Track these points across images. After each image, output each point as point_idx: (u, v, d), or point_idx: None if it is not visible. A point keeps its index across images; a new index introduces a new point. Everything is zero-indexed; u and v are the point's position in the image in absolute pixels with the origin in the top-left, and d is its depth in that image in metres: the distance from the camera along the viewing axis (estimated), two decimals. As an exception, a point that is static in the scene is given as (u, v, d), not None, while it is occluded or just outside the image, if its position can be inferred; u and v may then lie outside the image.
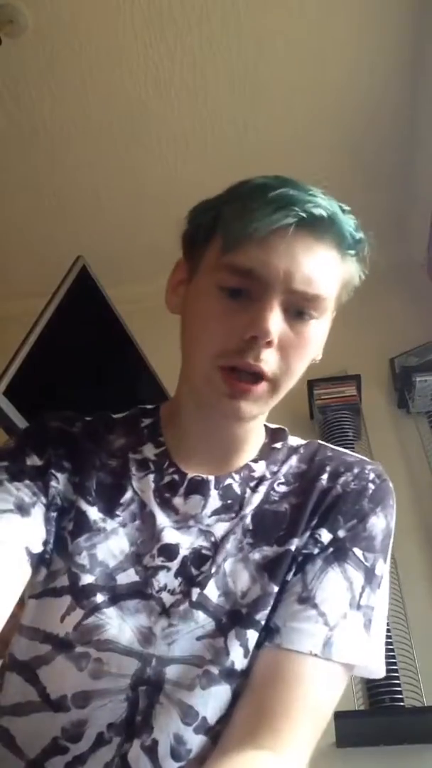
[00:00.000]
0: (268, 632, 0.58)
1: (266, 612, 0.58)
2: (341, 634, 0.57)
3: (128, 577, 0.59)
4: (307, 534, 0.63)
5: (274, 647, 0.57)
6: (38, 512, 0.62)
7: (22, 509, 0.61)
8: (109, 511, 0.63)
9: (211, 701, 0.55)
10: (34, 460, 0.66)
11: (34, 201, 2.50)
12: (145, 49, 2.02)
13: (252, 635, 0.57)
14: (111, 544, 0.61)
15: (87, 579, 0.58)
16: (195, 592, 0.59)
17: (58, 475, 0.65)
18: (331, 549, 0.62)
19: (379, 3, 1.93)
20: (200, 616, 0.57)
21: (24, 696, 0.56)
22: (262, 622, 0.58)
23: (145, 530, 0.62)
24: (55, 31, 1.95)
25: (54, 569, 0.61)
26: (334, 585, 0.60)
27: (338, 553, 0.61)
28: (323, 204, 0.62)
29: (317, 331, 0.64)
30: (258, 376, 0.59)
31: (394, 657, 1.67)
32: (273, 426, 0.76)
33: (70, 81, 2.10)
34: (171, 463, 0.68)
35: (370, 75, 2.12)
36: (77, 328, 1.75)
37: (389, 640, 1.69)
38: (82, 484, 0.65)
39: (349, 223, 0.65)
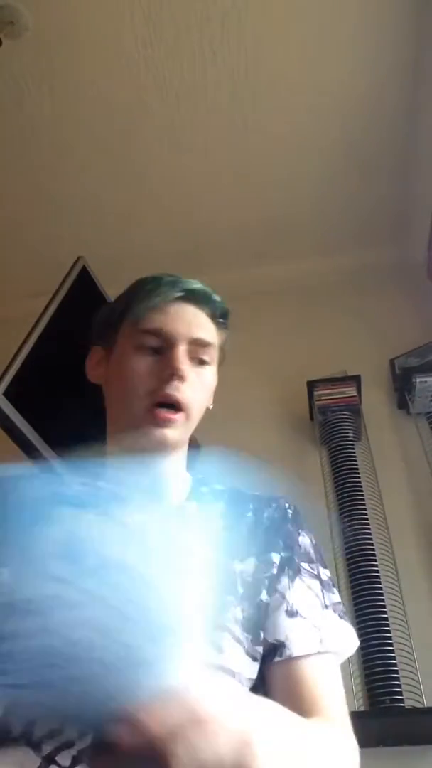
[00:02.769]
0: (274, 648, 0.68)
1: (227, 617, 0.67)
2: (327, 630, 0.71)
3: None
4: (251, 559, 0.73)
5: (286, 660, 0.67)
6: None
7: None
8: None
9: None
10: None
11: (34, 201, 2.51)
12: (145, 49, 2.02)
13: (221, 636, 0.65)
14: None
15: None
16: None
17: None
18: (286, 567, 0.74)
19: (379, 3, 1.93)
20: None
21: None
22: (227, 625, 0.66)
23: None
24: (56, 32, 1.95)
25: None
26: (303, 595, 0.72)
27: (293, 569, 0.74)
28: (198, 285, 0.87)
29: (211, 377, 0.84)
30: (177, 407, 0.77)
31: (394, 657, 1.67)
32: (198, 475, 0.88)
33: (70, 81, 2.10)
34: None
35: (370, 75, 2.12)
36: (77, 329, 1.75)
37: (389, 641, 1.69)
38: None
39: (218, 299, 0.89)
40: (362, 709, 1.63)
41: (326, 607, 0.73)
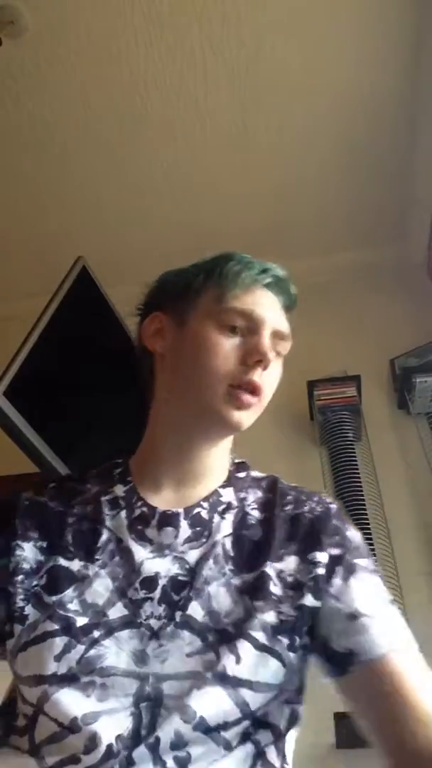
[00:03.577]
0: (343, 659, 0.65)
1: (251, 624, 0.65)
2: (395, 624, 0.69)
3: (118, 611, 0.66)
4: (292, 558, 0.71)
5: (365, 664, 0.64)
6: None
7: None
8: (89, 558, 0.71)
9: (206, 700, 0.60)
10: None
11: (34, 201, 2.51)
12: (145, 49, 2.02)
13: (241, 643, 0.63)
14: (96, 586, 0.68)
15: (82, 621, 0.65)
16: (178, 614, 0.65)
17: (24, 544, 0.72)
18: (338, 567, 0.71)
19: (379, 3, 1.93)
20: (186, 634, 0.64)
21: (49, 730, 0.61)
22: (249, 632, 0.64)
23: (125, 565, 0.70)
24: (56, 31, 1.95)
25: (32, 621, 0.66)
26: (363, 593, 0.69)
27: (347, 568, 0.71)
28: (283, 273, 0.82)
29: (279, 369, 0.79)
30: (257, 392, 0.73)
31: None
32: (237, 460, 0.85)
33: (70, 81, 2.10)
34: (139, 497, 0.76)
35: (370, 75, 2.12)
36: (77, 329, 1.76)
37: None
38: (55, 545, 0.72)
39: (294, 291, 0.84)
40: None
41: (388, 602, 0.71)
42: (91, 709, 0.60)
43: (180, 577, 0.68)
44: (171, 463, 0.78)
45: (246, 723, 0.62)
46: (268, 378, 0.75)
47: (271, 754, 0.63)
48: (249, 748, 0.62)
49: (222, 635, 0.64)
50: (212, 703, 0.60)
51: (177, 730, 0.59)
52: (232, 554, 0.71)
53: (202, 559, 0.70)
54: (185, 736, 0.59)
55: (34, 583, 0.69)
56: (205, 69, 2.08)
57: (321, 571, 0.69)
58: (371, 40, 2.03)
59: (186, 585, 0.68)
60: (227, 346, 0.74)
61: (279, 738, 0.65)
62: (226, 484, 0.79)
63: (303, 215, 2.62)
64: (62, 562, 0.70)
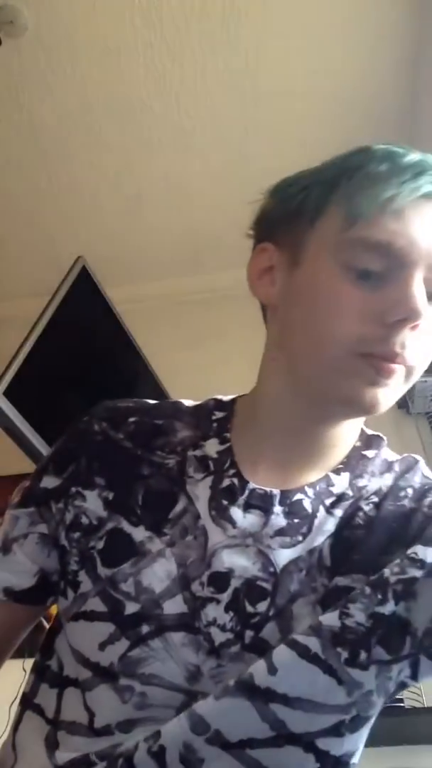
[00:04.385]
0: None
1: (303, 629, 0.51)
2: None
3: (176, 605, 0.53)
4: (393, 558, 0.52)
5: None
6: (29, 544, 0.62)
7: (4, 548, 0.63)
8: (157, 528, 0.57)
9: (227, 715, 0.48)
10: (50, 481, 0.64)
11: (34, 201, 2.50)
12: (145, 49, 2.02)
13: (279, 649, 0.50)
14: (157, 567, 0.55)
15: (132, 608, 0.53)
16: (248, 634, 0.52)
17: (86, 492, 0.60)
18: None
19: (379, 4, 1.93)
20: (254, 659, 0.50)
21: (77, 717, 0.54)
22: (294, 637, 0.50)
23: (196, 548, 0.55)
24: (55, 31, 1.95)
25: (83, 591, 0.56)
26: None
27: None
28: None
29: None
30: (399, 361, 0.52)
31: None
32: (369, 431, 0.65)
33: (70, 81, 2.10)
34: (233, 463, 0.59)
35: (370, 73, 2.12)
36: (77, 329, 1.75)
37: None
38: (122, 501, 0.59)
39: None
40: (362, 708, 1.62)
41: None
42: (128, 717, 0.51)
43: (260, 582, 0.53)
44: (274, 440, 0.60)
45: (290, 747, 0.48)
46: (420, 342, 0.52)
47: None
48: None
49: None
50: (232, 716, 0.48)
51: (186, 742, 0.48)
52: (328, 564, 0.54)
53: (291, 565, 0.54)
54: (198, 750, 0.48)
55: (91, 544, 0.58)
56: (205, 69, 2.08)
57: (418, 573, 0.49)
58: (371, 39, 2.03)
59: (266, 595, 0.53)
60: (356, 297, 0.51)
61: (340, 765, 0.51)
62: (343, 467, 0.60)
63: (303, 215, 2.61)
64: (125, 526, 0.57)
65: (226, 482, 0.58)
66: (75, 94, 2.14)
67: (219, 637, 0.52)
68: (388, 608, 0.49)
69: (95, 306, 1.85)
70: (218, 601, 0.53)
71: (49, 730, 0.55)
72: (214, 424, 0.64)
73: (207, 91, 2.15)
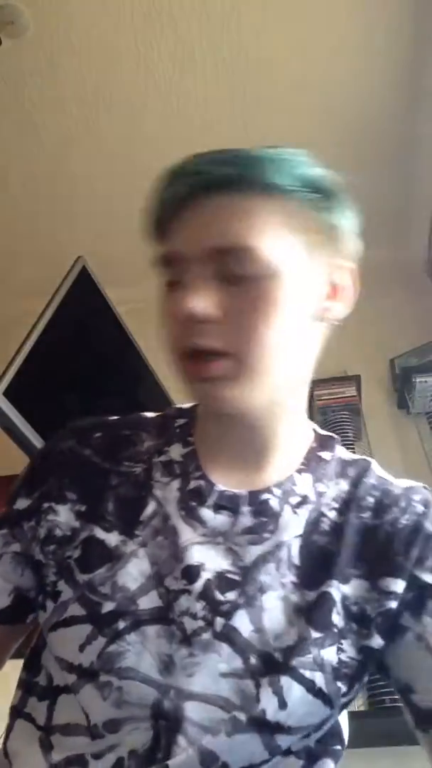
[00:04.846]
0: (423, 716, 0.54)
1: (303, 659, 0.52)
2: None
3: (150, 600, 0.55)
4: (360, 583, 0.55)
5: None
6: (3, 564, 0.63)
7: None
8: (130, 531, 0.59)
9: (237, 749, 0.50)
10: (21, 503, 0.65)
11: (34, 201, 2.51)
12: (146, 49, 2.02)
13: (288, 683, 0.51)
14: (131, 567, 0.57)
15: (109, 606, 0.55)
16: (219, 622, 0.53)
17: (58, 506, 0.62)
18: (428, 600, 0.54)
19: (380, 3, 1.93)
20: (225, 649, 0.52)
21: (73, 719, 0.54)
22: (301, 671, 0.52)
23: (167, 547, 0.57)
24: (56, 31, 1.95)
25: (63, 599, 0.57)
26: None
27: None
28: (232, 158, 0.54)
29: (274, 286, 0.53)
30: (211, 355, 0.53)
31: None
32: (322, 432, 0.67)
33: (71, 81, 2.10)
34: (197, 466, 0.62)
35: (370, 74, 2.12)
36: (77, 329, 1.75)
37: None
38: (93, 512, 0.61)
39: (284, 164, 0.55)
40: (362, 709, 1.62)
41: None
42: (110, 716, 0.52)
43: (229, 575, 0.55)
44: (225, 442, 0.62)
45: (276, 759, 0.53)
46: (235, 327, 0.52)
47: None
48: None
49: (266, 661, 0.52)
50: (243, 753, 0.51)
51: None
52: (297, 563, 0.56)
53: (260, 559, 0.56)
54: None
55: (68, 554, 0.59)
56: (205, 69, 2.08)
57: (393, 604, 0.54)
58: (371, 39, 2.03)
59: (236, 585, 0.55)
60: (168, 307, 0.55)
61: (312, 758, 0.57)
62: (305, 467, 0.62)
63: (303, 215, 2.62)
64: (99, 533, 0.59)
65: (193, 484, 0.60)
66: (75, 94, 2.14)
67: (191, 624, 0.53)
68: (376, 642, 0.54)
69: (95, 306, 1.85)
70: (190, 592, 0.55)
71: (42, 734, 0.55)
72: (177, 430, 0.66)
73: (206, 90, 2.15)
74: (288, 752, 0.54)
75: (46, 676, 0.59)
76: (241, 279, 0.53)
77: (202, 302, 0.52)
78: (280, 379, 0.55)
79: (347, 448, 2.49)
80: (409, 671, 0.54)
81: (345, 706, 0.57)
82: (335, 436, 0.68)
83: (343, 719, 0.62)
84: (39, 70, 2.06)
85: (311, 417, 2.43)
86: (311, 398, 2.28)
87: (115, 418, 0.71)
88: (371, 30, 2.00)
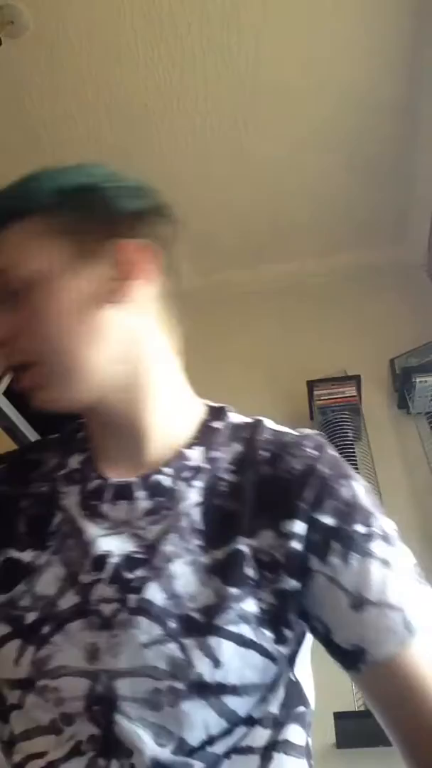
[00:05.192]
0: (352, 656, 0.54)
1: (226, 617, 0.53)
2: (409, 605, 0.54)
3: (69, 600, 0.56)
4: (267, 533, 0.57)
5: (371, 666, 0.54)
6: None
7: None
8: (42, 545, 0.61)
9: (187, 720, 0.51)
10: None
11: (34, 201, 2.50)
12: (146, 49, 2.02)
13: (217, 642, 0.52)
14: (46, 576, 0.58)
15: (32, 617, 0.56)
16: (132, 598, 0.54)
17: None
18: (330, 540, 0.56)
19: (379, 3, 1.93)
20: (142, 621, 0.53)
21: (29, 725, 0.55)
22: (227, 628, 0.53)
23: (76, 547, 0.59)
24: (56, 31, 1.95)
25: None
26: (368, 572, 0.55)
27: (341, 540, 0.57)
28: None
29: (46, 302, 0.59)
30: (23, 367, 0.60)
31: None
32: (215, 405, 0.70)
33: (70, 82, 2.10)
34: (93, 468, 0.65)
35: (370, 75, 2.12)
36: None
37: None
38: (7, 536, 0.63)
39: (22, 189, 0.66)
40: (362, 709, 1.63)
41: (403, 574, 0.56)
42: (55, 715, 0.53)
43: (136, 555, 0.57)
44: (105, 436, 0.67)
45: (239, 730, 0.53)
46: (23, 341, 0.59)
47: (278, 748, 0.55)
48: (248, 757, 0.53)
49: (186, 623, 0.53)
50: (192, 720, 0.50)
51: (153, 757, 0.49)
52: (201, 527, 0.58)
53: (162, 533, 0.58)
54: (165, 763, 0.50)
55: None
56: (205, 69, 2.08)
57: (297, 545, 0.56)
58: (371, 40, 2.03)
59: (143, 562, 0.56)
60: None
61: (279, 725, 0.56)
62: (196, 441, 0.64)
63: (303, 216, 2.62)
64: (13, 554, 0.61)
65: (91, 485, 0.63)
66: (75, 94, 2.14)
67: (107, 609, 0.54)
68: (288, 584, 0.55)
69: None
70: (102, 580, 0.56)
71: (4, 745, 0.57)
72: (77, 443, 0.69)
73: (206, 90, 2.15)
74: (251, 721, 0.53)
75: (1, 698, 0.58)
76: (13, 296, 0.60)
77: None
78: (94, 369, 0.60)
79: (347, 448, 2.47)
80: (326, 613, 0.56)
81: (292, 660, 0.58)
82: (228, 405, 0.70)
83: (307, 680, 0.61)
84: (39, 70, 2.06)
85: (311, 417, 2.43)
86: (311, 398, 2.28)
87: (22, 447, 0.75)
88: (371, 30, 2.00)
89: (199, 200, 2.54)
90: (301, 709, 0.59)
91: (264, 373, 2.46)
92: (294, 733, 0.56)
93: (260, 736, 0.54)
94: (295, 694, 0.59)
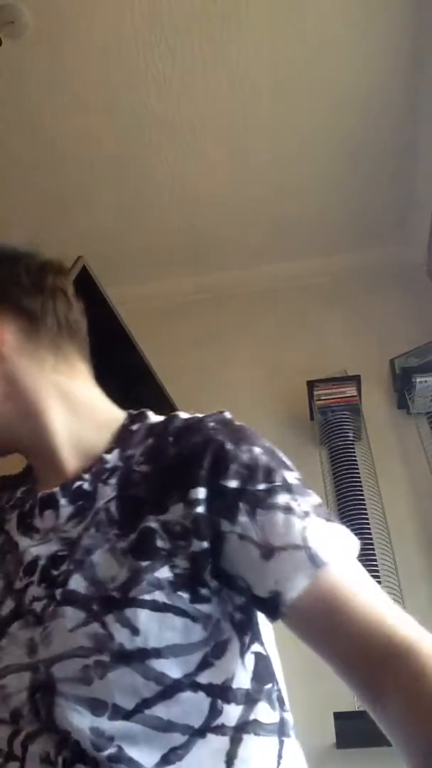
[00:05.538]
0: (272, 604, 0.57)
1: (139, 587, 0.57)
2: (314, 541, 0.57)
3: (8, 606, 0.62)
4: (178, 506, 0.60)
5: (290, 606, 0.56)
6: None
7: None
8: None
9: (115, 687, 0.54)
10: None
11: (34, 201, 2.50)
12: (146, 49, 2.02)
13: (133, 612, 0.56)
14: None
15: None
16: (58, 592, 0.59)
17: None
18: (239, 501, 0.59)
19: (379, 3, 1.93)
20: (68, 610, 0.58)
21: None
22: (141, 597, 0.56)
23: (12, 561, 0.65)
24: (56, 31, 1.96)
25: None
26: (273, 522, 0.58)
27: (247, 499, 0.60)
28: None
29: None
30: None
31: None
32: (135, 411, 0.76)
33: (70, 82, 2.10)
34: (33, 491, 0.72)
35: (370, 75, 2.12)
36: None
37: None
38: None
39: None
40: (362, 708, 1.63)
41: (305, 515, 0.59)
42: (7, 712, 0.57)
43: (60, 553, 0.62)
44: (30, 458, 0.77)
45: (180, 694, 0.55)
46: None
47: (248, 729, 0.57)
48: (219, 738, 0.56)
49: (107, 602, 0.57)
50: (124, 688, 0.54)
51: (92, 726, 0.53)
52: (117, 517, 0.62)
53: (83, 530, 0.63)
54: (105, 731, 0.53)
55: None
56: (205, 69, 2.08)
57: (201, 509, 0.59)
58: (371, 40, 2.03)
59: (64, 558, 0.61)
60: None
61: (251, 702, 0.59)
62: (113, 445, 0.69)
63: (303, 216, 2.62)
64: None
65: (26, 507, 0.70)
66: (75, 94, 2.14)
67: (39, 606, 0.60)
68: (198, 546, 0.58)
69: (95, 306, 1.85)
70: (33, 582, 0.62)
71: None
72: (27, 478, 0.77)
73: (207, 90, 2.15)
74: (188, 686, 0.56)
75: None
76: None
77: None
78: None
79: (347, 448, 2.47)
80: (243, 569, 0.58)
81: (242, 628, 0.61)
82: (147, 410, 0.76)
83: (273, 655, 0.65)
84: (39, 70, 2.06)
85: (311, 417, 2.42)
86: (311, 398, 2.28)
87: None
88: (372, 29, 2.00)
89: (199, 200, 2.54)
90: (269, 685, 0.62)
91: (264, 373, 2.46)
92: (263, 712, 0.59)
93: (232, 711, 0.57)
94: (265, 669, 0.62)
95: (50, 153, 2.33)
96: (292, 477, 0.62)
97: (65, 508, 0.66)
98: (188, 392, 2.16)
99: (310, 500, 0.61)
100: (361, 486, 2.04)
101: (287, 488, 0.61)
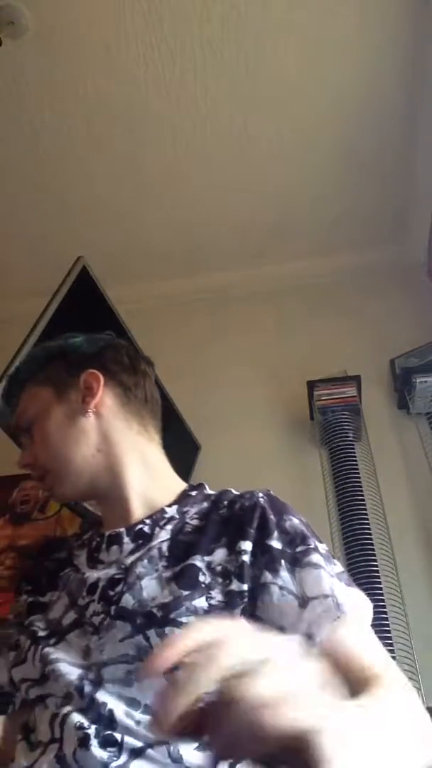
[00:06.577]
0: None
1: (179, 611, 0.68)
2: (338, 593, 0.70)
3: (70, 618, 0.76)
4: (221, 550, 0.75)
5: (318, 647, 0.66)
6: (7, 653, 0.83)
7: None
8: (53, 587, 0.83)
9: (149, 690, 0.64)
10: (15, 607, 0.89)
11: (34, 201, 2.51)
12: (146, 49, 2.02)
13: (172, 631, 0.66)
14: (56, 606, 0.79)
15: (43, 632, 0.76)
16: (113, 608, 0.72)
17: (21, 598, 0.88)
18: (282, 559, 0.73)
19: (379, 3, 1.93)
20: (119, 623, 0.70)
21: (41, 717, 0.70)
22: (179, 619, 0.67)
23: (77, 581, 0.80)
24: (56, 32, 1.95)
25: (20, 644, 0.78)
26: (308, 577, 0.71)
27: (288, 558, 0.73)
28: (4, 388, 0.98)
29: (42, 430, 0.89)
30: (40, 479, 0.90)
31: (394, 657, 1.67)
32: (195, 484, 0.92)
33: (71, 82, 2.10)
34: (100, 533, 0.86)
35: (370, 74, 2.12)
36: (77, 329, 1.75)
37: (389, 640, 1.69)
38: (37, 590, 0.86)
39: (17, 372, 0.98)
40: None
41: (332, 575, 0.72)
42: (55, 689, 0.68)
43: (116, 576, 0.76)
44: (102, 510, 0.92)
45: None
46: (37, 458, 0.89)
47: None
48: None
49: (149, 618, 0.69)
50: (151, 690, 0.64)
51: (126, 710, 0.64)
52: (167, 554, 0.76)
53: (137, 560, 0.77)
54: (136, 717, 0.64)
55: (25, 621, 0.82)
56: (205, 69, 2.09)
57: (245, 558, 0.73)
58: (371, 40, 2.03)
59: (120, 581, 0.75)
60: None
61: None
62: (174, 502, 0.86)
63: (303, 216, 2.62)
64: (39, 598, 0.85)
65: (94, 544, 0.85)
66: (75, 94, 2.14)
67: (96, 620, 0.73)
68: (237, 586, 0.71)
69: (95, 306, 1.85)
70: (94, 600, 0.75)
71: (24, 735, 0.73)
72: (92, 526, 0.94)
73: (206, 91, 2.15)
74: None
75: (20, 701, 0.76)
76: (28, 433, 0.91)
77: (22, 459, 0.92)
78: (79, 464, 0.87)
79: (347, 448, 2.47)
80: (281, 617, 0.69)
81: None
82: (204, 483, 0.92)
83: None
84: (39, 70, 2.06)
85: (311, 417, 2.42)
86: (311, 398, 2.28)
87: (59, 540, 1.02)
88: (372, 29, 2.00)
89: (199, 200, 2.54)
90: None
91: (264, 373, 2.46)
92: None
93: None
94: None
95: (51, 153, 2.33)
96: (322, 547, 0.76)
97: (127, 545, 0.81)
98: (188, 392, 2.16)
99: (335, 568, 0.75)
100: (361, 486, 2.04)
101: (318, 552, 0.74)
